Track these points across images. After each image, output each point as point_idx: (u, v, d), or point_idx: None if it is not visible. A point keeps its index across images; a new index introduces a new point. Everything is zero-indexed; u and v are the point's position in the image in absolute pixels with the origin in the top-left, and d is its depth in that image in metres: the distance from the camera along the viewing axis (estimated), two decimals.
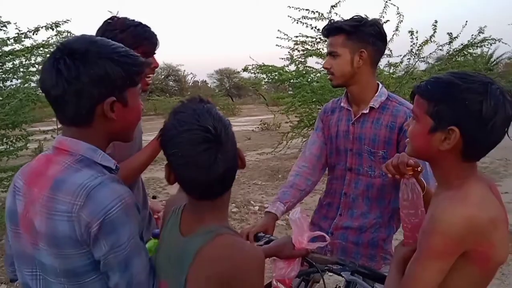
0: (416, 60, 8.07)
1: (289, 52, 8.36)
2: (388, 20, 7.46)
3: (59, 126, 6.61)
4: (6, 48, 5.17)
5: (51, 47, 5.31)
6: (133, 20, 1.71)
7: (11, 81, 5.30)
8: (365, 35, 1.77)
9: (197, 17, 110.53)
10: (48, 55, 4.47)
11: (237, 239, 1.07)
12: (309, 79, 8.14)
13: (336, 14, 7.51)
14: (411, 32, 7.75)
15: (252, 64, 8.47)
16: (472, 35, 8.08)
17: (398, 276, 1.19)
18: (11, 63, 5.26)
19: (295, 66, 8.38)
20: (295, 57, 8.34)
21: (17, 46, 5.19)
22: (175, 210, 1.15)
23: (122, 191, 1.01)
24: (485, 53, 14.95)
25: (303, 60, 8.31)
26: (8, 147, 5.16)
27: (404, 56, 7.99)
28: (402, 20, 7.46)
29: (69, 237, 0.98)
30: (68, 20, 5.23)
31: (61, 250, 0.99)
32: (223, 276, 0.99)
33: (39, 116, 6.72)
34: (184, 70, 39.64)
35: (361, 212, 1.90)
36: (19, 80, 5.30)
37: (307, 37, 8.05)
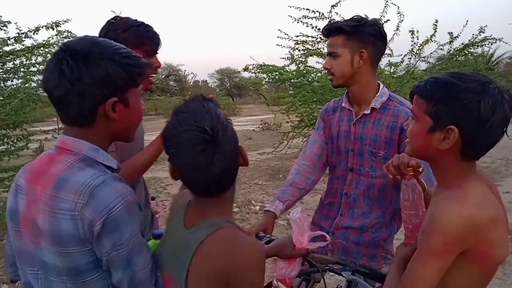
0: (417, 59, 8.08)
1: (289, 52, 8.38)
2: (388, 20, 7.47)
3: (60, 126, 6.63)
4: (7, 48, 5.17)
5: (51, 47, 5.31)
6: (136, 20, 1.72)
7: (12, 81, 5.31)
8: (365, 35, 1.76)
9: (198, 17, 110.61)
10: (48, 55, 4.50)
11: (238, 233, 1.08)
12: (309, 79, 8.14)
13: (337, 13, 7.51)
14: (412, 32, 7.76)
15: (253, 64, 8.48)
16: (473, 34, 8.09)
17: (398, 276, 1.19)
18: (11, 63, 5.26)
19: (296, 66, 8.39)
20: (295, 57, 8.34)
21: (18, 46, 5.19)
22: (181, 205, 1.16)
23: (124, 190, 1.02)
24: (485, 52, 14.93)
25: (303, 59, 8.31)
26: (9, 147, 5.17)
27: (404, 56, 8.00)
28: (402, 20, 7.47)
29: (72, 235, 0.99)
30: (68, 20, 5.22)
31: (64, 248, 1.00)
32: (223, 272, 1.00)
33: (40, 116, 6.72)
34: (185, 70, 39.69)
35: (362, 212, 1.90)
36: (20, 80, 5.31)
37: (308, 36, 8.06)
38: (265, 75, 8.67)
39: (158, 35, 1.73)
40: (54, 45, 5.32)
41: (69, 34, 5.31)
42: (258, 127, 16.00)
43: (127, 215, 1.00)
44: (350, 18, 1.82)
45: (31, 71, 5.33)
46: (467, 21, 7.98)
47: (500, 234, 1.10)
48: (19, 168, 4.67)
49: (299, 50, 8.31)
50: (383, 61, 7.52)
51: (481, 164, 7.96)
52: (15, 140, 5.21)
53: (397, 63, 8.08)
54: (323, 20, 7.57)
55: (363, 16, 1.84)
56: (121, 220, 0.99)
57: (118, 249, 1.00)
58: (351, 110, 1.91)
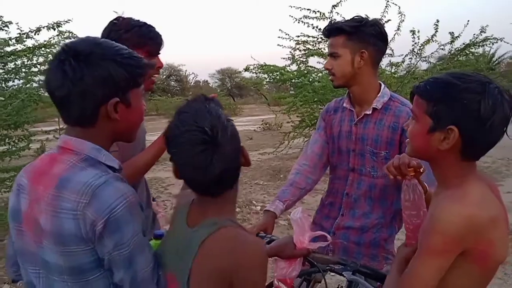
0: (418, 59, 8.06)
1: (290, 52, 8.36)
2: (389, 20, 7.46)
3: (61, 126, 6.63)
4: (8, 48, 5.17)
5: (53, 47, 5.31)
6: (138, 20, 1.72)
7: (13, 81, 5.32)
8: (365, 35, 1.76)
9: (198, 17, 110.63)
10: (50, 55, 4.50)
11: (240, 232, 1.08)
12: (310, 79, 8.13)
13: (338, 13, 7.51)
14: (413, 32, 7.75)
15: (254, 64, 8.47)
16: (474, 34, 8.07)
17: (399, 276, 1.20)
18: (13, 63, 5.26)
19: (297, 66, 8.37)
20: (296, 57, 8.33)
21: (19, 46, 5.20)
22: (184, 204, 1.17)
23: (126, 190, 1.03)
24: (487, 52, 14.91)
25: (304, 59, 8.30)
26: (10, 147, 5.17)
27: (405, 56, 7.99)
28: (403, 20, 7.45)
29: (74, 235, 0.99)
30: (69, 20, 5.23)
31: (67, 248, 1.01)
32: (225, 271, 1.00)
33: (41, 116, 6.72)
34: (186, 70, 39.72)
35: (362, 212, 1.90)
36: (21, 81, 5.32)
37: (309, 36, 8.05)
38: (266, 75, 8.66)
39: (160, 35, 1.74)
40: (55, 46, 5.32)
41: (70, 35, 5.32)
42: (259, 127, 15.99)
43: (129, 215, 1.01)
44: (350, 19, 1.82)
45: (32, 71, 5.34)
46: (468, 21, 7.98)
47: (500, 234, 1.10)
48: (20, 169, 4.65)
49: (300, 50, 8.31)
50: (384, 61, 7.53)
51: (482, 164, 7.96)
52: (16, 141, 5.21)
53: (398, 63, 8.07)
54: (324, 20, 7.56)
55: (363, 16, 1.84)
56: (123, 220, 1.00)
57: (119, 248, 1.01)
58: (353, 110, 1.91)
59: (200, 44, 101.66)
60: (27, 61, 5.27)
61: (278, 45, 8.22)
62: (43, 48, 5.30)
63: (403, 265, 1.20)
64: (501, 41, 8.12)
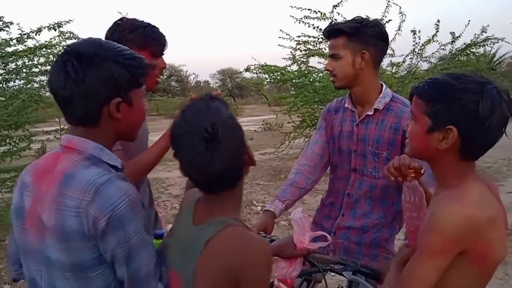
0: (419, 59, 8.06)
1: (291, 52, 8.35)
2: (390, 20, 7.45)
3: (62, 126, 6.65)
4: (9, 49, 5.17)
5: (54, 47, 5.32)
6: (142, 21, 1.74)
7: (14, 81, 5.32)
8: (366, 36, 1.76)
9: (199, 17, 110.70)
10: (51, 56, 4.49)
11: (246, 231, 1.09)
12: (311, 79, 8.12)
13: (338, 13, 7.50)
14: (414, 32, 7.74)
15: (254, 64, 8.46)
16: (475, 34, 8.07)
17: (397, 275, 1.20)
18: (14, 63, 5.27)
19: (297, 66, 8.36)
20: (297, 57, 8.32)
21: (20, 47, 5.20)
22: (191, 201, 1.17)
23: (128, 189, 1.05)
24: (487, 52, 14.87)
25: (305, 60, 8.29)
26: (11, 147, 5.17)
27: (406, 56, 7.98)
28: (404, 20, 7.44)
29: (77, 232, 1.01)
30: (70, 21, 5.24)
31: (70, 244, 1.02)
32: (231, 269, 1.01)
33: (42, 116, 6.73)
34: (187, 71, 39.74)
35: (363, 212, 1.90)
36: (22, 81, 5.32)
37: (309, 37, 8.04)
38: (266, 76, 8.65)
39: (164, 36, 1.75)
40: (56, 46, 5.33)
41: (71, 35, 5.32)
42: (260, 128, 15.99)
43: (131, 213, 1.03)
44: (351, 19, 1.82)
45: (33, 72, 5.33)
46: (469, 21, 7.97)
47: (499, 234, 1.10)
48: (21, 169, 4.66)
49: (300, 51, 8.30)
50: (385, 61, 7.52)
51: (483, 164, 7.95)
52: (17, 141, 5.21)
53: (399, 63, 8.06)
54: (324, 20, 7.55)
55: (364, 16, 1.84)
56: (125, 218, 1.02)
57: (122, 246, 1.03)
58: (354, 111, 1.91)
59: (200, 44, 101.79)
60: (28, 61, 5.27)
61: (278, 45, 8.23)
62: (44, 49, 5.31)
63: (402, 265, 1.21)
64: (502, 41, 8.11)
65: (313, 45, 8.09)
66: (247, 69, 8.64)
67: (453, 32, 7.89)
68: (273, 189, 6.83)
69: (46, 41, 5.36)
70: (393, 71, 8.10)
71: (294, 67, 8.43)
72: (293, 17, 7.68)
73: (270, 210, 1.87)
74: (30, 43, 5.23)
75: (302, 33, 8.09)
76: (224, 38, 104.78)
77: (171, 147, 1.10)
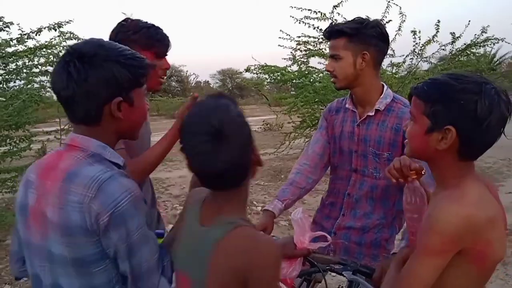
0: (419, 60, 8.05)
1: (291, 52, 8.35)
2: (390, 20, 7.45)
3: (63, 127, 6.65)
4: (9, 49, 5.17)
5: (54, 48, 5.32)
6: (146, 22, 1.75)
7: (14, 82, 5.31)
8: (366, 37, 1.76)
9: (199, 17, 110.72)
10: (51, 56, 4.49)
11: (254, 232, 1.09)
12: (311, 79, 8.12)
13: (339, 14, 7.50)
14: (414, 32, 7.74)
15: (255, 65, 8.46)
16: (475, 34, 8.07)
17: (396, 275, 1.20)
18: (14, 64, 5.27)
19: (298, 66, 8.37)
20: (297, 57, 8.32)
21: (20, 47, 5.20)
22: (196, 201, 1.17)
23: (131, 185, 1.07)
24: (488, 52, 14.86)
25: (305, 60, 8.29)
26: (11, 148, 5.16)
27: (406, 56, 7.98)
28: (404, 20, 7.44)
29: (80, 226, 1.03)
30: (70, 21, 5.24)
31: (73, 239, 1.05)
32: (240, 270, 1.01)
33: (42, 117, 6.73)
34: (187, 71, 39.74)
35: (364, 213, 1.90)
36: (22, 81, 5.31)
37: (310, 37, 8.04)
38: (267, 76, 8.65)
39: (168, 37, 1.76)
40: (57, 46, 5.33)
41: (71, 35, 5.32)
42: (260, 128, 15.97)
43: (133, 209, 1.06)
44: (351, 20, 1.82)
45: (33, 72, 5.33)
46: (469, 21, 7.96)
47: (498, 234, 1.11)
48: (21, 169, 4.68)
49: (301, 51, 8.30)
50: (385, 62, 7.49)
51: (483, 165, 7.95)
52: (17, 141, 5.21)
53: (399, 63, 8.05)
54: (324, 20, 7.54)
55: (364, 17, 1.83)
56: (127, 214, 1.04)
57: (124, 241, 1.05)
58: (355, 111, 1.91)
59: (200, 44, 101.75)
60: (28, 61, 5.27)
61: (279, 45, 8.22)
62: (44, 49, 5.31)
63: (401, 265, 1.21)
64: (502, 41, 8.11)
65: (313, 45, 8.09)
66: (247, 70, 8.64)
67: (453, 33, 7.89)
68: (273, 190, 6.82)
69: (46, 41, 5.36)
70: (393, 71, 8.09)
71: (294, 68, 8.44)
72: (293, 17, 7.67)
73: (269, 209, 1.87)
74: (30, 43, 5.24)
75: (302, 33, 8.10)
76: (224, 38, 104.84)
77: (176, 144, 1.11)
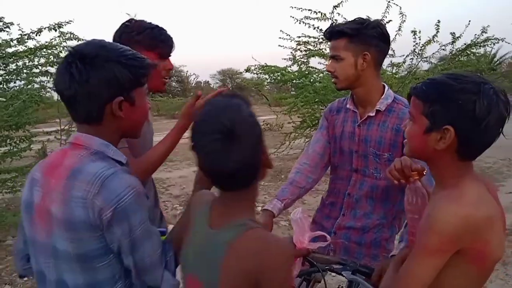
0: (419, 60, 8.06)
1: (291, 53, 8.36)
2: (390, 20, 7.46)
3: (63, 127, 6.65)
4: (10, 50, 5.17)
5: (54, 48, 5.32)
6: (150, 23, 1.76)
7: (15, 82, 5.31)
8: (367, 37, 1.76)
9: (199, 17, 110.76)
10: (51, 56, 4.49)
11: (265, 233, 1.09)
12: (311, 80, 8.13)
13: (339, 14, 7.51)
14: (414, 32, 7.74)
15: (255, 65, 8.47)
16: (475, 34, 8.07)
17: (394, 274, 1.21)
18: (14, 64, 5.27)
19: (298, 67, 8.37)
20: (297, 58, 8.33)
21: (20, 47, 5.20)
22: (204, 203, 1.17)
23: (133, 181, 1.10)
24: (488, 52, 14.86)
25: (305, 60, 8.30)
26: (11, 148, 5.16)
27: (407, 56, 7.98)
28: (404, 20, 7.44)
29: (83, 222, 1.06)
30: (70, 21, 5.24)
31: (77, 234, 1.07)
32: (251, 272, 1.01)
33: (43, 117, 6.73)
34: (187, 71, 39.70)
35: (364, 213, 1.90)
36: (23, 82, 5.31)
37: (310, 37, 8.05)
38: (267, 76, 8.66)
39: (171, 38, 1.77)
40: (57, 47, 5.33)
41: (71, 36, 5.32)
42: None
43: (136, 204, 1.08)
44: (352, 20, 1.82)
45: (33, 72, 5.33)
46: (469, 21, 7.96)
47: (497, 234, 1.11)
48: (21, 169, 4.68)
49: (301, 51, 8.31)
50: (385, 62, 7.43)
51: (483, 165, 7.96)
52: (17, 141, 5.21)
53: (399, 63, 8.06)
54: (325, 21, 7.55)
55: (365, 17, 1.83)
56: (130, 209, 1.07)
57: (127, 236, 1.08)
58: (356, 111, 1.90)
59: (201, 44, 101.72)
60: (29, 62, 5.26)
61: (279, 45, 8.23)
62: (44, 49, 5.30)
63: (399, 265, 1.21)
64: (502, 41, 8.12)
65: (314, 45, 8.10)
66: (248, 70, 8.65)
67: (454, 33, 7.90)
68: (274, 190, 6.82)
69: (46, 42, 5.36)
70: (394, 71, 8.11)
71: (295, 68, 8.45)
72: (293, 17, 7.68)
73: (269, 209, 1.86)
74: (30, 43, 5.24)
75: (302, 33, 8.11)
76: (224, 38, 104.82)
77: (179, 141, 1.11)
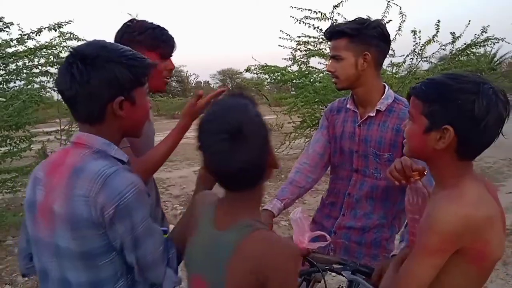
0: (419, 60, 8.06)
1: (291, 53, 8.37)
2: (390, 20, 7.46)
3: (63, 127, 6.65)
4: (9, 50, 5.18)
5: (54, 48, 5.33)
6: (152, 23, 1.76)
7: (15, 82, 5.32)
8: (368, 37, 1.75)
9: (199, 17, 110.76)
10: (51, 56, 4.51)
11: (272, 235, 1.09)
12: (311, 79, 8.13)
13: (339, 14, 7.51)
14: (414, 32, 7.74)
15: (255, 65, 8.47)
16: (475, 34, 8.07)
17: (394, 274, 1.21)
18: (14, 64, 5.27)
19: (298, 67, 8.38)
20: (297, 58, 8.34)
21: (20, 48, 5.21)
22: (208, 204, 1.17)
23: (135, 179, 1.10)
24: (488, 52, 14.86)
25: (305, 60, 8.31)
26: (11, 148, 5.17)
27: (407, 56, 7.99)
28: (404, 20, 7.45)
29: (86, 219, 1.06)
30: (70, 21, 5.25)
31: (80, 232, 1.08)
32: (257, 274, 1.01)
33: (43, 117, 6.74)
34: (187, 71, 39.70)
35: (364, 213, 1.90)
36: (23, 82, 5.32)
37: (310, 37, 8.06)
38: (267, 76, 8.66)
39: (173, 38, 1.78)
40: (57, 47, 5.34)
41: (71, 36, 5.33)
42: None
43: (138, 202, 1.09)
44: (352, 20, 1.81)
45: (33, 72, 5.34)
46: (469, 21, 7.97)
47: (496, 234, 1.11)
48: (21, 170, 4.68)
49: (301, 51, 8.32)
50: (385, 62, 7.44)
51: (484, 164, 7.96)
52: (17, 142, 5.21)
53: (399, 63, 8.07)
54: (325, 20, 7.56)
55: (365, 17, 1.83)
56: (132, 206, 1.08)
57: (130, 233, 1.09)
58: (356, 111, 1.90)
59: (201, 44, 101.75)
60: (28, 62, 5.28)
61: (279, 45, 8.24)
62: (44, 49, 5.31)
63: (399, 265, 1.21)
64: (502, 41, 8.12)
65: (314, 45, 8.11)
66: (248, 70, 8.65)
67: (454, 32, 7.90)
68: (274, 190, 6.80)
69: (46, 42, 5.37)
70: (394, 71, 8.11)
71: (295, 68, 8.46)
72: (293, 17, 7.69)
73: (269, 209, 1.86)
74: (30, 43, 5.25)
75: (302, 33, 8.13)
76: (224, 38, 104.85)
77: (182, 141, 1.10)
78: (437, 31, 7.71)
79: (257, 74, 8.74)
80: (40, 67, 5.36)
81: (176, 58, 1.82)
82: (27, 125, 5.32)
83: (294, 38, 8.13)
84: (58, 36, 5.31)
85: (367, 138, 1.85)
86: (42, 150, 6.63)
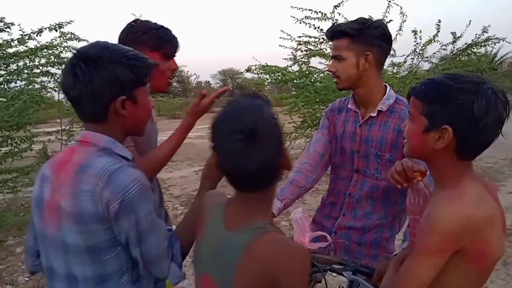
0: (420, 59, 8.05)
1: (292, 53, 8.36)
2: (391, 20, 7.45)
3: (64, 127, 6.65)
4: (10, 50, 5.19)
5: (55, 48, 5.33)
6: (155, 23, 1.77)
7: (15, 82, 5.33)
8: (369, 37, 1.75)
9: (199, 17, 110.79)
10: (52, 57, 4.52)
11: (282, 237, 1.09)
12: (312, 80, 8.13)
13: (339, 14, 7.51)
14: (415, 32, 7.74)
15: (255, 65, 8.46)
16: (476, 34, 8.07)
17: (395, 274, 1.21)
18: (15, 64, 5.28)
19: (298, 67, 8.38)
20: (298, 58, 8.33)
21: (21, 48, 5.21)
22: (218, 204, 1.17)
23: (139, 175, 1.14)
24: (489, 52, 14.84)
25: (306, 60, 8.30)
26: (12, 148, 5.17)
27: (407, 56, 7.98)
28: (405, 20, 7.44)
29: (92, 214, 1.10)
30: (71, 21, 5.25)
31: (86, 226, 1.11)
32: (267, 275, 1.01)
33: (43, 117, 6.75)
34: (188, 71, 39.70)
35: (364, 213, 1.90)
36: (23, 82, 5.33)
37: (310, 37, 8.06)
38: (267, 76, 8.66)
39: (176, 38, 1.78)
40: (58, 47, 5.34)
41: (72, 36, 5.33)
42: None
43: (142, 197, 1.12)
44: (354, 20, 1.80)
45: (34, 72, 5.35)
46: (470, 21, 7.97)
47: (496, 234, 1.11)
48: (22, 170, 4.69)
49: (301, 51, 8.31)
50: (386, 62, 7.46)
51: (484, 165, 7.95)
52: (18, 142, 5.22)
53: (400, 63, 8.06)
54: (325, 20, 7.56)
55: (367, 17, 1.82)
56: (137, 201, 1.10)
57: (134, 228, 1.11)
58: (357, 112, 1.90)
59: (201, 44, 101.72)
60: (29, 62, 5.28)
61: (279, 45, 8.24)
62: (45, 50, 5.32)
63: (400, 264, 1.22)
64: (503, 41, 8.12)
65: (314, 45, 8.10)
66: (248, 70, 8.65)
67: (454, 32, 7.90)
68: None
69: (47, 42, 5.38)
70: (394, 71, 8.10)
71: (295, 68, 8.45)
72: (294, 17, 7.68)
73: None
74: (31, 44, 5.25)
75: (303, 33, 8.12)
76: (225, 38, 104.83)
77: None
78: (438, 31, 7.70)
79: (257, 74, 8.74)
80: (41, 67, 5.37)
81: (177, 58, 1.82)
82: (28, 125, 5.33)
83: (294, 38, 8.13)
84: (59, 36, 5.32)
85: (368, 139, 1.85)
86: (43, 150, 6.63)
